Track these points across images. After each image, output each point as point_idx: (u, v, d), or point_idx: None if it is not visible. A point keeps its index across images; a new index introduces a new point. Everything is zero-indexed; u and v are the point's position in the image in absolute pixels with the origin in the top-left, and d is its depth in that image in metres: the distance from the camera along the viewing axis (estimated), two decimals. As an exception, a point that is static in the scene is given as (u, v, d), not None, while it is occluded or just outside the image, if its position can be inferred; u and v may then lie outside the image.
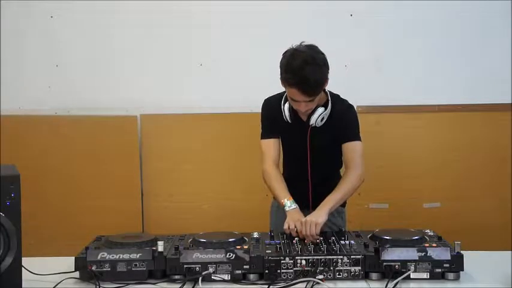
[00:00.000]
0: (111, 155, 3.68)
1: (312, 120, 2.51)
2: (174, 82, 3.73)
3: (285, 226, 2.38)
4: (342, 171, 2.73)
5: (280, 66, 2.44)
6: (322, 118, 2.52)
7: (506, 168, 3.66)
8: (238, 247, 2.18)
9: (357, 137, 2.59)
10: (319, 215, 2.38)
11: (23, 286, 2.01)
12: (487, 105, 3.69)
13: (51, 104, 3.72)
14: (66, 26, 3.71)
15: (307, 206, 2.59)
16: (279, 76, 2.45)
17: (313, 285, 2.07)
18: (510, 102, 3.68)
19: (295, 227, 2.35)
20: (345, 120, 2.58)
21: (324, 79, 2.42)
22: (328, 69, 2.43)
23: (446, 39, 3.71)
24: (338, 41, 3.67)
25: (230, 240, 2.24)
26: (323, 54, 2.43)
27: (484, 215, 3.66)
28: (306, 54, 2.38)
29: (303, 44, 2.45)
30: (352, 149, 2.57)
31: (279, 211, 2.66)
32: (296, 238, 2.30)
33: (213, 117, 3.71)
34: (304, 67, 2.35)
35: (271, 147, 2.63)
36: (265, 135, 2.66)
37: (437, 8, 3.68)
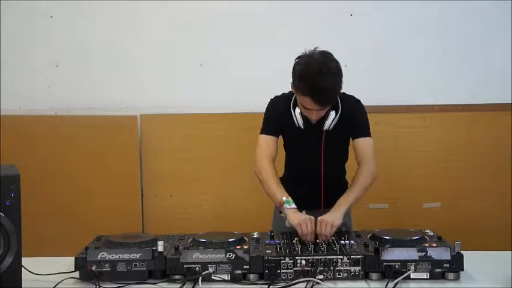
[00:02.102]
0: (111, 155, 3.68)
1: (326, 126, 2.50)
2: (174, 82, 3.74)
3: (300, 228, 2.31)
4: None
5: (293, 74, 2.41)
6: (335, 121, 2.51)
7: (506, 168, 3.66)
8: (238, 247, 2.18)
9: (367, 133, 2.58)
10: (336, 217, 2.36)
11: (23, 286, 2.01)
12: (487, 105, 3.70)
13: (51, 104, 3.72)
14: (66, 26, 3.71)
15: (318, 206, 2.58)
16: (291, 82, 2.42)
17: (313, 285, 2.07)
18: (510, 102, 3.69)
19: (306, 226, 2.31)
20: (354, 115, 2.57)
21: (338, 88, 2.39)
22: (341, 77, 2.39)
23: (446, 39, 3.72)
24: (338, 41, 3.67)
25: (230, 240, 2.24)
26: (337, 62, 2.40)
27: (484, 215, 3.67)
28: (320, 63, 2.34)
29: (316, 50, 2.41)
30: (363, 146, 2.55)
31: (281, 218, 2.67)
32: (296, 238, 2.30)
33: (213, 117, 3.71)
34: (318, 77, 2.31)
35: (271, 144, 2.58)
36: (265, 131, 2.60)
37: (437, 8, 3.68)
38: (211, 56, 3.72)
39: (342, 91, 2.59)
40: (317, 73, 2.32)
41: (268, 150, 2.57)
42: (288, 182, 2.62)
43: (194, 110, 3.71)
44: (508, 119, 3.66)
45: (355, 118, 2.57)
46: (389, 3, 3.69)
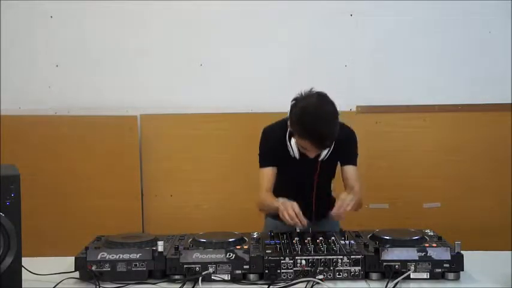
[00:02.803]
0: (111, 155, 3.68)
1: (321, 156, 2.52)
2: (174, 82, 3.73)
3: (282, 209, 2.36)
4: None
5: (291, 117, 2.44)
6: (330, 151, 2.53)
7: (506, 168, 3.66)
8: (238, 247, 2.18)
9: (355, 162, 2.67)
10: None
11: (23, 286, 2.01)
12: (487, 105, 3.70)
13: (51, 104, 3.72)
14: (66, 26, 3.71)
15: (310, 219, 2.56)
16: (288, 121, 2.46)
17: (313, 285, 2.08)
18: (510, 102, 3.69)
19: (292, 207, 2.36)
20: (348, 145, 2.63)
21: (336, 131, 2.41)
22: (338, 119, 2.42)
23: (447, 39, 3.71)
24: (338, 41, 3.68)
25: (230, 240, 2.24)
26: (333, 104, 2.42)
27: (484, 215, 3.67)
28: (317, 108, 2.37)
29: (312, 91, 2.43)
30: (352, 174, 2.64)
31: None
32: (296, 238, 2.30)
33: (213, 117, 3.71)
34: (316, 123, 2.35)
35: (269, 177, 2.62)
36: (264, 163, 2.64)
37: (437, 8, 3.68)
38: (211, 56, 3.72)
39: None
40: (315, 120, 2.36)
41: (264, 184, 2.62)
42: None
43: (194, 110, 3.71)
44: (508, 119, 3.66)
45: (349, 147, 2.64)
46: (390, 3, 3.69)
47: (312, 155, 2.49)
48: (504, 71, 3.69)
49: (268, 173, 2.63)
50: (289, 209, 2.36)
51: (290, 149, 2.53)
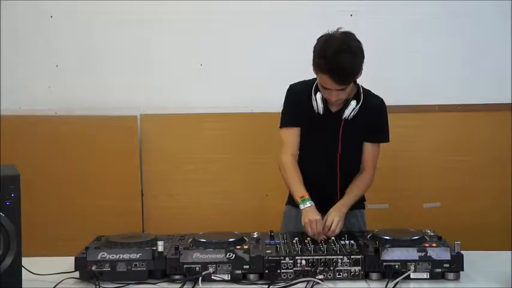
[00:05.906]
0: (111, 155, 3.68)
1: (346, 114, 2.48)
2: (174, 82, 3.74)
3: (307, 225, 2.36)
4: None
5: (314, 51, 2.39)
6: (355, 111, 2.50)
7: (506, 168, 3.66)
8: (238, 247, 2.18)
9: (379, 138, 2.62)
10: (341, 217, 2.40)
11: (23, 286, 2.01)
12: (487, 105, 3.70)
13: (51, 104, 3.72)
14: (66, 26, 3.71)
15: (335, 198, 2.57)
16: (312, 61, 2.40)
17: (313, 285, 2.08)
18: (510, 102, 3.69)
19: (316, 225, 2.35)
20: (379, 118, 2.58)
21: (358, 68, 2.37)
22: (363, 58, 2.38)
23: (446, 39, 3.72)
24: (338, 41, 3.67)
25: (230, 240, 2.24)
26: (359, 42, 2.38)
27: (484, 215, 3.66)
28: (340, 41, 2.33)
29: (339, 30, 2.39)
30: (372, 152, 2.60)
31: (290, 220, 2.69)
32: (296, 238, 2.30)
33: (213, 117, 3.71)
34: (337, 54, 2.30)
35: (293, 137, 2.57)
36: (287, 123, 2.59)
37: (437, 7, 3.68)
38: (211, 56, 3.72)
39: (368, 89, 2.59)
40: (336, 51, 2.31)
41: (289, 145, 2.58)
42: (302, 170, 2.59)
43: (194, 110, 3.72)
44: (508, 119, 3.66)
45: (376, 118, 2.58)
46: (390, 3, 3.69)
47: (333, 98, 2.41)
48: (504, 71, 3.69)
49: (292, 134, 2.57)
50: (313, 226, 2.35)
51: (314, 103, 2.48)
